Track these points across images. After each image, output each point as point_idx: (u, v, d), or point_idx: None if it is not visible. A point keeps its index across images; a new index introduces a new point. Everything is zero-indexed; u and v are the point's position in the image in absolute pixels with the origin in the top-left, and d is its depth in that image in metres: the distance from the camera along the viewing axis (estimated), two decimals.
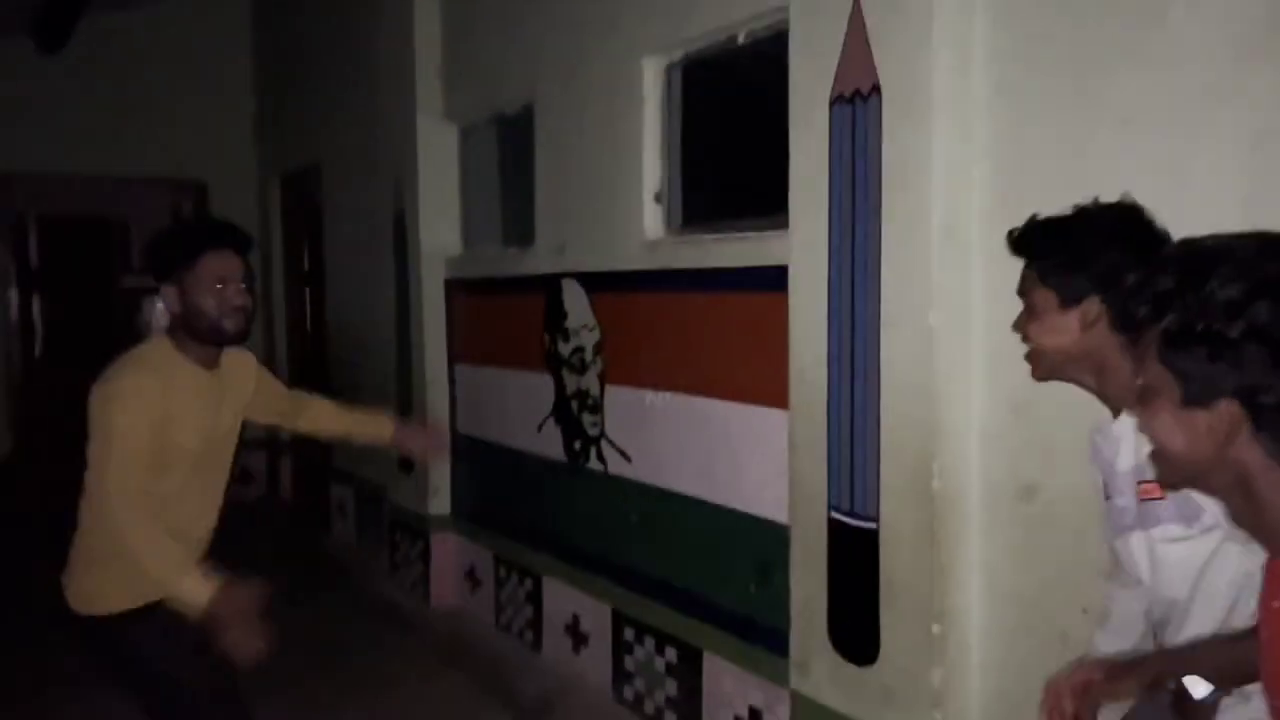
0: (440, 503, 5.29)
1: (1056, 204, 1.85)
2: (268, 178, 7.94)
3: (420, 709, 4.26)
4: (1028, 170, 2.45)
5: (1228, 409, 1.12)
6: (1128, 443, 1.73)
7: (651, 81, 3.82)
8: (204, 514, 2.69)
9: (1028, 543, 2.50)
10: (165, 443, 2.45)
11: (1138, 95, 2.23)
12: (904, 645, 2.65)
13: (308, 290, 7.43)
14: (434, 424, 3.01)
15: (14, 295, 7.62)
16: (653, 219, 3.84)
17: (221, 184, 7.93)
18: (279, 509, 7.88)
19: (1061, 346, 1.78)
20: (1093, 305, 1.73)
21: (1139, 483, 1.71)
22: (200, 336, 2.53)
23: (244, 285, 2.53)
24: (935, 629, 2.58)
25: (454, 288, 5.21)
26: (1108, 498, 1.83)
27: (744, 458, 3.35)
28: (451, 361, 5.23)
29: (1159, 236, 1.72)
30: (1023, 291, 1.84)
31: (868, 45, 2.67)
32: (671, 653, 3.74)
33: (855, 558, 2.76)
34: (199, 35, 7.89)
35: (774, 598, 3.15)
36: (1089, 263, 1.73)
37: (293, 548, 6.68)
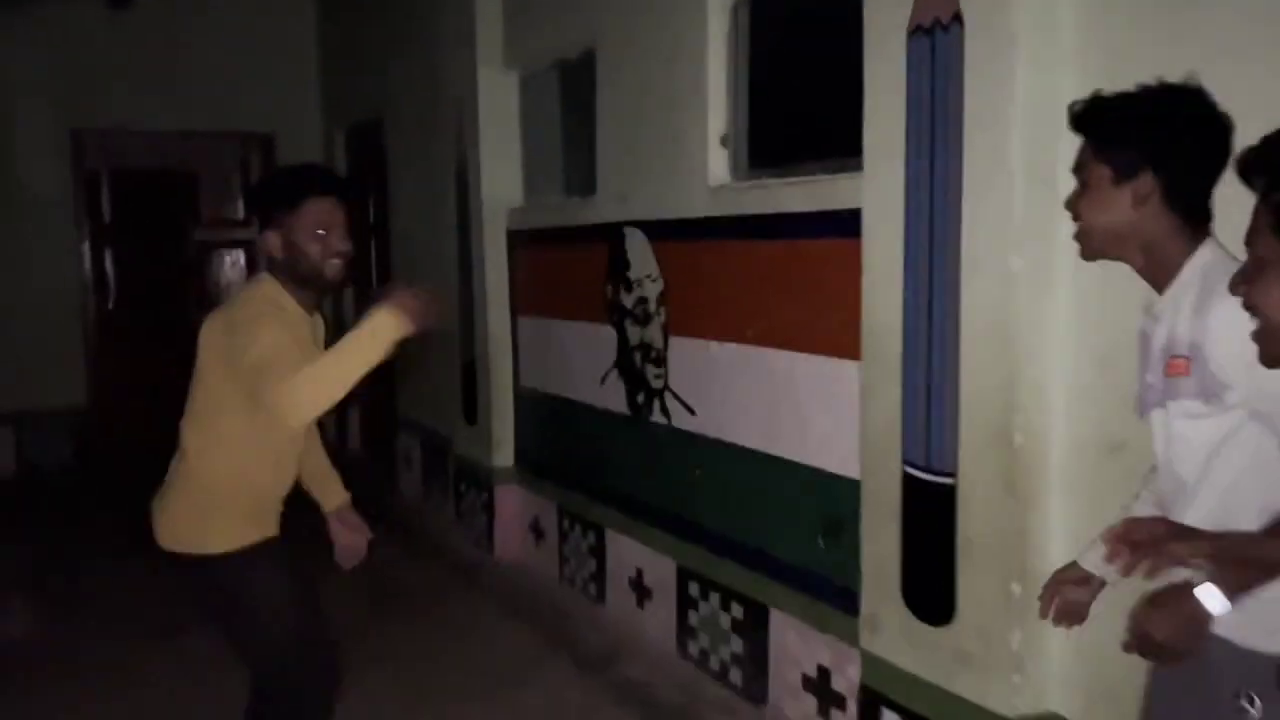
0: (504, 454, 5.26)
1: None
2: (333, 130, 7.92)
3: (483, 660, 4.25)
4: None
5: None
6: (1165, 321, 1.70)
7: (717, 18, 3.67)
8: (295, 465, 2.68)
9: (1113, 501, 2.36)
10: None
11: (1238, 25, 2.05)
12: (982, 605, 2.53)
13: (373, 242, 7.41)
14: (355, 536, 2.93)
15: (87, 249, 7.72)
16: (718, 163, 3.71)
17: (288, 136, 7.94)
18: (347, 459, 7.95)
19: (1112, 224, 1.74)
20: (1146, 181, 1.70)
21: (1169, 359, 1.69)
22: (302, 281, 2.51)
23: (345, 232, 2.53)
24: (1015, 589, 2.46)
25: (516, 239, 5.14)
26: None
27: (812, 410, 3.23)
28: (514, 314, 5.17)
29: (1221, 120, 1.70)
30: (1078, 167, 1.80)
31: None
32: (737, 609, 3.66)
33: (931, 514, 2.64)
34: None
35: (843, 554, 3.06)
36: (1145, 137, 1.71)
37: (362, 498, 6.71)
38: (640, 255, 4.12)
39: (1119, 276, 1.87)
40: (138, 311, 7.77)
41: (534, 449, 5.14)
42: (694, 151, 3.76)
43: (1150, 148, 1.69)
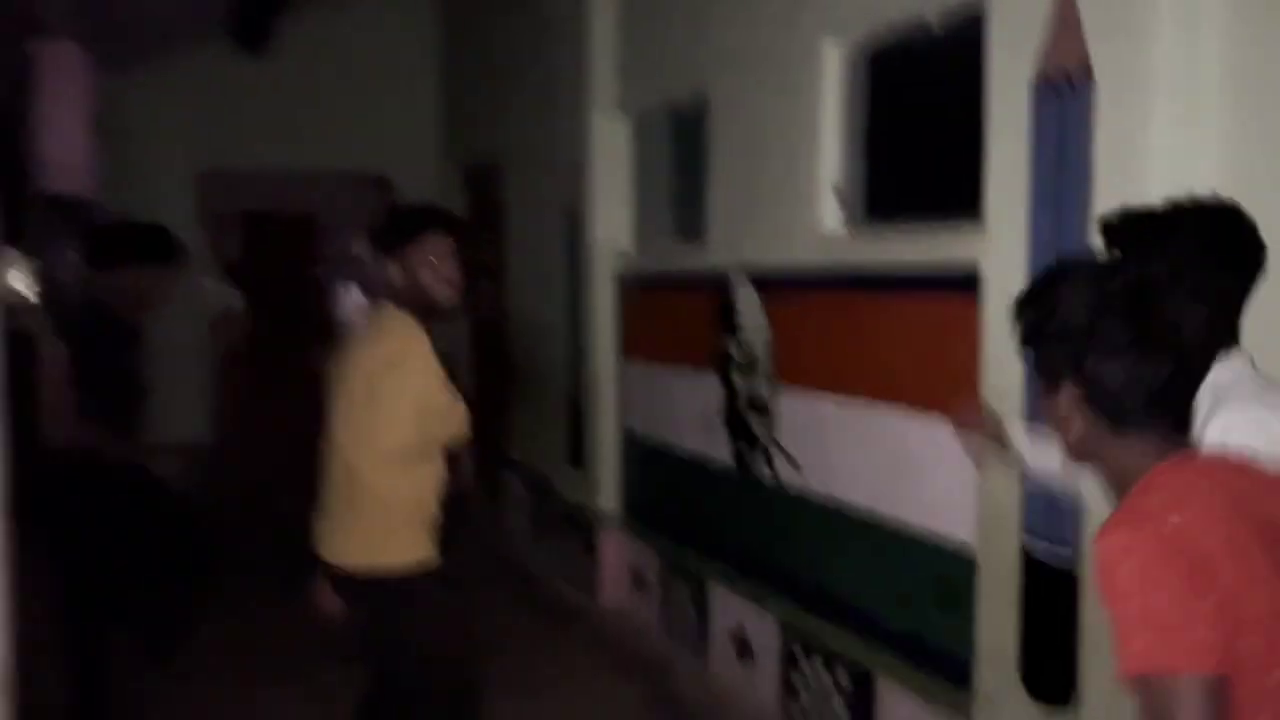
0: (607, 499, 5.23)
1: None
2: (450, 173, 8.08)
3: (579, 709, 4.20)
4: (1264, 165, 2.15)
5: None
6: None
7: (833, 67, 3.60)
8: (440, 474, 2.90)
9: None
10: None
11: None
12: (1106, 693, 2.37)
13: (494, 284, 7.50)
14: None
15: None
16: (830, 213, 3.63)
17: (406, 178, 8.10)
18: (460, 494, 8.02)
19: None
20: None
21: None
22: (417, 307, 2.77)
23: (457, 264, 2.81)
24: None
25: (625, 283, 5.13)
26: None
27: (925, 472, 3.11)
28: (621, 358, 5.15)
29: (1247, 240, 1.74)
30: None
31: (1078, 21, 2.39)
32: (842, 673, 3.53)
33: (1051, 591, 2.50)
34: (388, 33, 8.09)
35: (957, 625, 2.92)
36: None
37: (467, 534, 6.76)
38: (748, 304, 4.05)
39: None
40: (260, 348, 8.04)
41: (637, 495, 5.10)
42: (806, 200, 3.69)
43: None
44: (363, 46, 7.97)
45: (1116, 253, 1.79)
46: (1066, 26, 2.43)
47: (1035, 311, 1.47)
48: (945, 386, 3.00)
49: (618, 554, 5.19)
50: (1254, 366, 1.74)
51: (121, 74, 7.24)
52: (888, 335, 3.30)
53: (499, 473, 6.97)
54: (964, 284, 2.87)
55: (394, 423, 2.67)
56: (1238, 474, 1.42)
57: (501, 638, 4.87)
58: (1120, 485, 1.41)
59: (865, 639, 3.41)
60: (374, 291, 3.09)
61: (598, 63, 5.14)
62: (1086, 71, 2.38)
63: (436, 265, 2.76)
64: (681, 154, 4.90)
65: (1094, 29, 2.36)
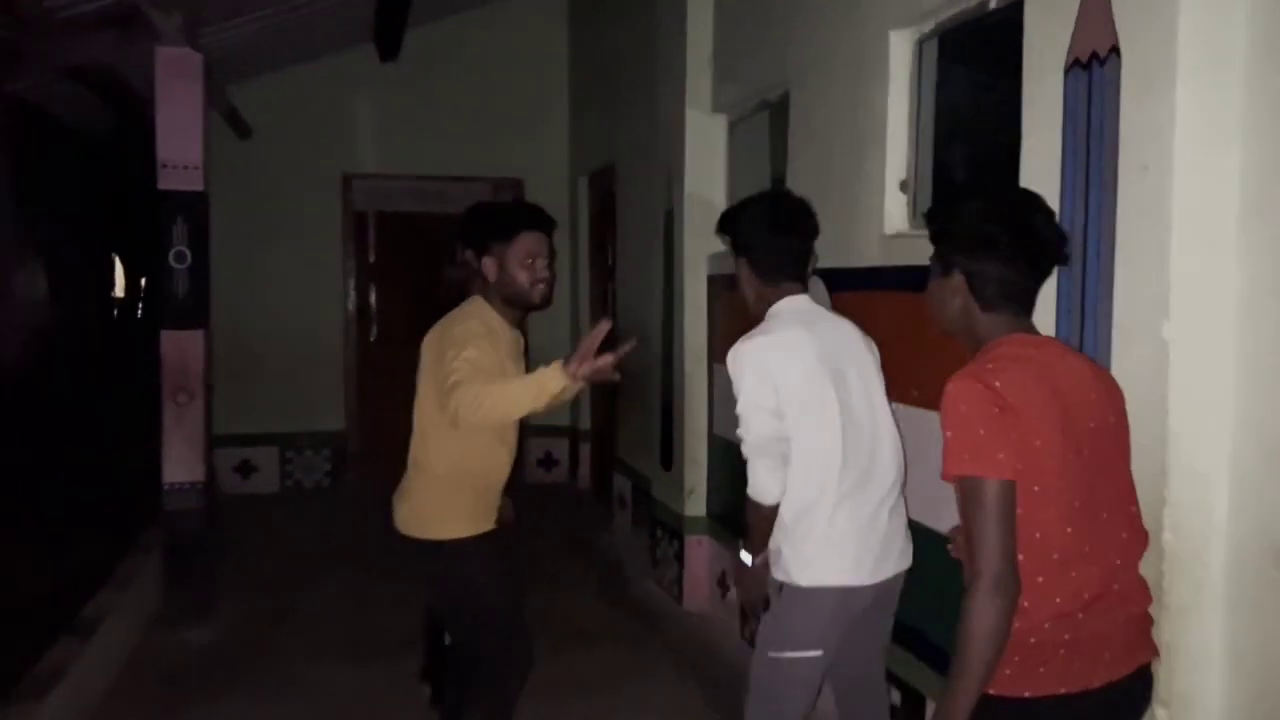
0: (696, 503, 5.16)
1: None
2: (577, 176, 8.18)
3: (647, 713, 4.15)
4: None
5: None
6: None
7: (899, 57, 3.44)
8: (509, 457, 3.03)
9: None
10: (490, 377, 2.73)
11: None
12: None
13: (609, 285, 7.57)
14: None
15: (352, 286, 8.34)
16: (895, 210, 3.47)
17: (537, 182, 8.26)
18: (576, 495, 8.12)
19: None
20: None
21: None
22: (510, 301, 2.92)
23: (549, 261, 2.94)
24: (1161, 715, 2.08)
25: (716, 284, 5.05)
26: None
27: None
28: (711, 360, 5.08)
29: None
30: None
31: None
32: (895, 695, 3.36)
33: None
34: (520, 39, 8.28)
35: None
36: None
37: (576, 534, 6.84)
38: (821, 301, 3.90)
39: None
40: (395, 344, 8.30)
41: (724, 500, 5.01)
42: (872, 197, 3.54)
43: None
44: (495, 54, 8.18)
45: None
46: (1097, 6, 2.24)
47: (943, 218, 2.03)
48: None
49: (704, 559, 5.12)
50: None
51: (273, 77, 7.68)
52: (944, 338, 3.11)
53: (610, 473, 7.00)
54: None
55: (449, 376, 2.70)
56: (1051, 354, 1.92)
57: (583, 634, 4.89)
58: (976, 348, 1.97)
59: (915, 657, 3.23)
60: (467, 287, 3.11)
61: (693, 60, 5.09)
62: (1114, 50, 2.19)
63: (529, 262, 2.89)
64: (777, 151, 4.79)
65: (1122, 3, 2.17)
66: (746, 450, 2.65)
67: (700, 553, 5.13)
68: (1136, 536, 1.90)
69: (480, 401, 2.56)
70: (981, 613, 1.73)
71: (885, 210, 3.48)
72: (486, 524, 2.99)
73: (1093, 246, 2.25)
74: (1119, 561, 1.84)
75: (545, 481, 8.43)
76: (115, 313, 13.88)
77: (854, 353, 2.79)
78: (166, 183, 4.75)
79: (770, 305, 2.77)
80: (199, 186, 4.80)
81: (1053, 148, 2.39)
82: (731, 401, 2.71)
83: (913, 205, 3.46)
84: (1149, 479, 2.09)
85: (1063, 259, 2.00)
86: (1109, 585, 1.80)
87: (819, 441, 2.62)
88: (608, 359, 2.57)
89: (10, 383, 8.41)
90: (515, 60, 8.26)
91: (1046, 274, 1.97)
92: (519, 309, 2.96)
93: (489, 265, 2.90)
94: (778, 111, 4.61)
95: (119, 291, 14.21)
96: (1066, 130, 2.35)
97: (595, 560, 6.24)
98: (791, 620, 2.66)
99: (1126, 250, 2.16)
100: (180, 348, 4.84)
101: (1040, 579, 1.78)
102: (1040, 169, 2.44)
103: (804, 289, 2.83)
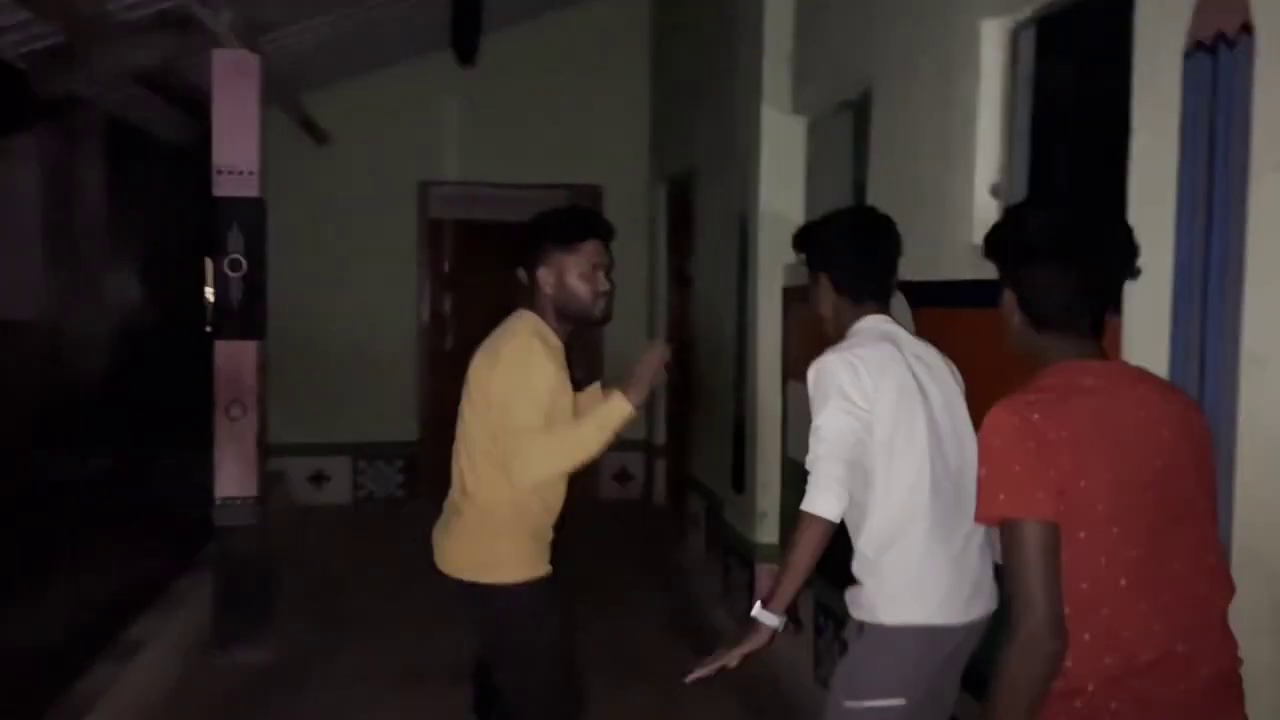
0: (768, 529, 4.84)
1: None
2: (656, 182, 7.93)
3: None
4: None
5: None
6: None
7: (991, 47, 3.10)
8: (563, 489, 2.79)
9: None
10: (552, 406, 2.57)
11: None
12: None
13: (688, 294, 7.28)
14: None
15: (427, 294, 8.21)
16: (985, 217, 3.12)
17: (616, 189, 8.06)
18: (651, 512, 7.86)
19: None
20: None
21: None
22: (567, 315, 2.69)
23: (609, 274, 2.73)
24: None
25: (793, 296, 4.73)
26: None
27: None
28: (785, 377, 4.76)
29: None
30: None
31: None
32: None
33: None
34: (600, 42, 8.07)
35: None
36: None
37: (648, 555, 6.57)
38: (904, 320, 3.57)
39: None
40: (470, 354, 8.15)
41: None
42: (959, 203, 3.20)
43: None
44: (575, 59, 7.98)
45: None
46: None
47: (991, 228, 1.91)
48: None
49: None
50: None
51: (349, 83, 7.59)
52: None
53: (684, 491, 6.72)
54: None
55: (491, 430, 2.58)
56: (1116, 381, 1.74)
57: (646, 667, 4.62)
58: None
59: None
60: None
61: (770, 59, 4.79)
62: (1246, 28, 1.84)
63: (591, 274, 2.68)
64: (859, 154, 4.46)
65: None
66: (814, 458, 2.34)
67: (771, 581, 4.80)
68: (1218, 591, 1.65)
69: (547, 462, 2.49)
70: (1020, 665, 1.58)
71: (974, 218, 3.14)
72: (544, 566, 2.74)
73: (1216, 260, 1.91)
74: (1191, 620, 1.62)
75: (620, 498, 8.19)
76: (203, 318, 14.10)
77: (939, 376, 2.54)
78: (222, 189, 4.62)
79: (851, 324, 2.56)
80: (254, 193, 4.65)
81: (1169, 145, 2.04)
82: (808, 421, 2.43)
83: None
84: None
85: (1129, 273, 1.81)
86: (1173, 647, 1.60)
87: (908, 465, 2.36)
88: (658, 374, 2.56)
89: (98, 389, 8.51)
90: (594, 63, 8.04)
91: (1111, 291, 1.81)
92: (575, 323, 2.73)
93: (545, 276, 2.68)
94: (859, 112, 4.29)
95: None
96: (1186, 125, 2.00)
97: (666, 585, 5.96)
98: (873, 664, 2.40)
99: (1258, 265, 1.81)
100: (234, 359, 4.71)
101: (1087, 636, 1.61)
102: (1153, 171, 2.09)
103: (886, 309, 2.62)
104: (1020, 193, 3.10)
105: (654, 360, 2.63)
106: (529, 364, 2.54)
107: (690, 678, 2.37)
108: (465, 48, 7.37)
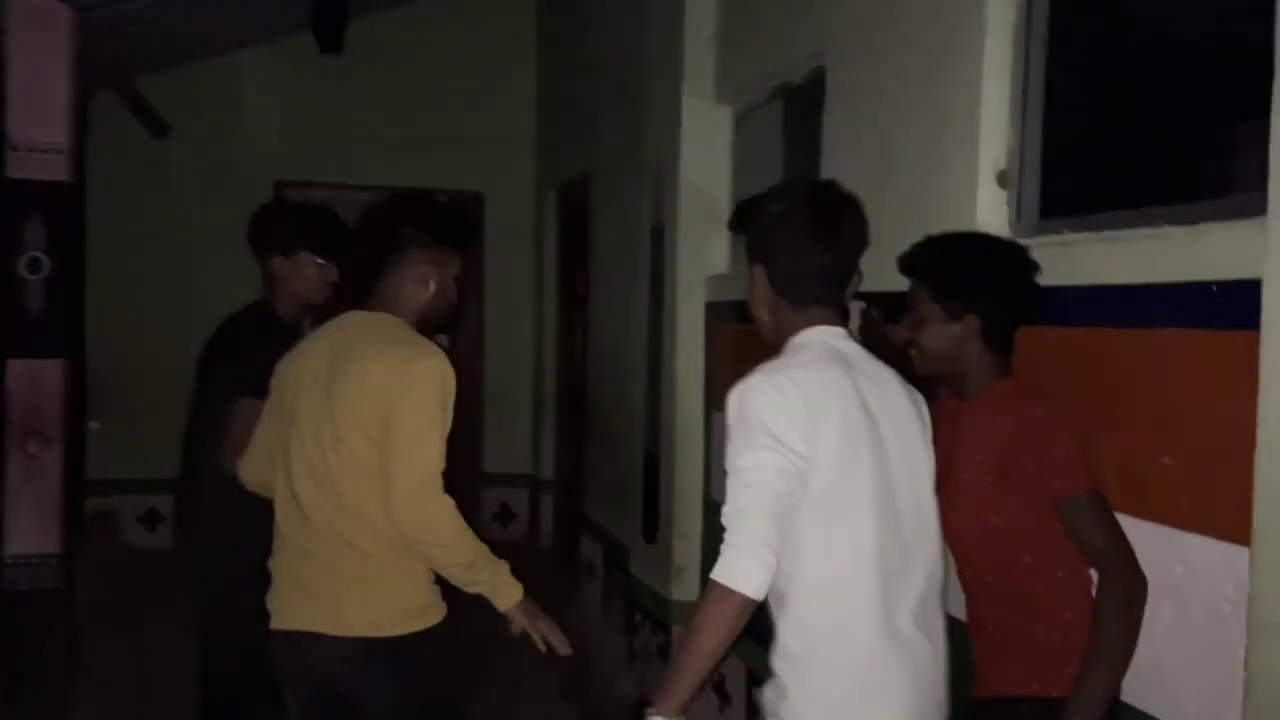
0: (686, 588, 4.13)
1: None
2: (544, 191, 7.21)
3: None
4: None
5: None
6: None
7: (1000, 4, 2.50)
8: None
9: None
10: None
11: None
12: None
13: (579, 313, 6.55)
14: None
15: None
16: (992, 208, 2.51)
17: (499, 196, 7.34)
18: (537, 555, 7.08)
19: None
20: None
21: None
22: (427, 320, 2.44)
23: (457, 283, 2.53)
24: None
25: (716, 312, 4.07)
26: None
27: (1153, 627, 1.92)
28: (709, 407, 4.08)
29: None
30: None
31: None
32: None
33: None
34: (482, 31, 7.32)
35: None
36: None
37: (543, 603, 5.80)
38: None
39: None
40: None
41: None
42: (956, 193, 2.58)
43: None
44: (453, 59, 7.19)
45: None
46: None
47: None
48: (1186, 480, 1.84)
49: None
50: None
51: (196, 67, 6.67)
52: (1079, 392, 2.15)
53: (577, 534, 5.98)
54: (1222, 313, 1.74)
55: (412, 456, 2.23)
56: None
57: None
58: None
59: None
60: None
61: (690, 43, 4.13)
62: None
63: (457, 281, 2.48)
64: (795, 148, 3.84)
65: None
66: (733, 509, 1.78)
67: None
68: None
69: (453, 527, 2.25)
70: (1140, 610, 1.82)
71: (977, 211, 2.52)
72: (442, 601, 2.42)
73: None
74: None
75: (502, 539, 7.34)
76: None
77: (900, 416, 1.94)
78: (19, 169, 3.69)
79: (792, 335, 1.96)
80: (63, 176, 3.73)
81: None
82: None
83: (1015, 205, 2.50)
84: None
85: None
86: None
87: (850, 534, 1.83)
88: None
89: None
90: (475, 55, 7.27)
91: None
92: (428, 330, 2.44)
93: (428, 275, 2.39)
94: (797, 98, 3.67)
95: None
96: None
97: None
98: None
99: None
100: (33, 382, 3.78)
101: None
102: None
103: (840, 318, 2.01)
104: (1034, 181, 2.50)
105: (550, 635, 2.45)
106: (442, 375, 2.25)
107: None
108: (329, 33, 6.54)
